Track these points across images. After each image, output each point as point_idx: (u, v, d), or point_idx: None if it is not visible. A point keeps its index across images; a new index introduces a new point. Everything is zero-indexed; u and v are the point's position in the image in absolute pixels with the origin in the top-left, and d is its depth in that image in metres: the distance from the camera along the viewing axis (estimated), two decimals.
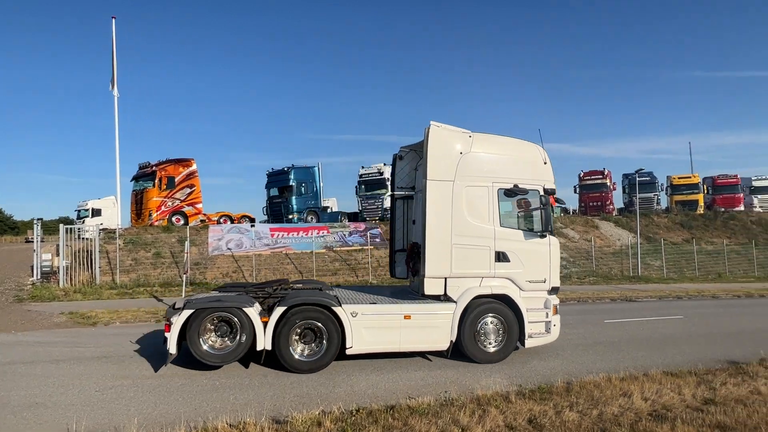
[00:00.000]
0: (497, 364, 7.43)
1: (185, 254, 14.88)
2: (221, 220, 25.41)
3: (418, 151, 9.01)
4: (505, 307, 7.69)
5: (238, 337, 6.69)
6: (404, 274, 9.51)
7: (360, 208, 29.28)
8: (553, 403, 5.35)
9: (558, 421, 4.85)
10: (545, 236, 8.24)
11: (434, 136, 7.69)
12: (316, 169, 27.48)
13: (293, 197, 26.25)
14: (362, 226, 26.10)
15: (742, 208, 40.51)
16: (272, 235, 23.56)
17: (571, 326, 11.11)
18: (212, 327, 6.74)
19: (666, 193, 39.57)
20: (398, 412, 5.01)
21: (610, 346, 9.04)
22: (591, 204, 35.90)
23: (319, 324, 6.91)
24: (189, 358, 6.77)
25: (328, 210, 31.24)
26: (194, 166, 25.06)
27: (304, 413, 5.00)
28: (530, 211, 8.43)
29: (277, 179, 27.34)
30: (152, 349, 7.97)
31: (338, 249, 24.21)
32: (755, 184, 42.91)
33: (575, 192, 37.16)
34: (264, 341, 6.67)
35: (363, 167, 29.68)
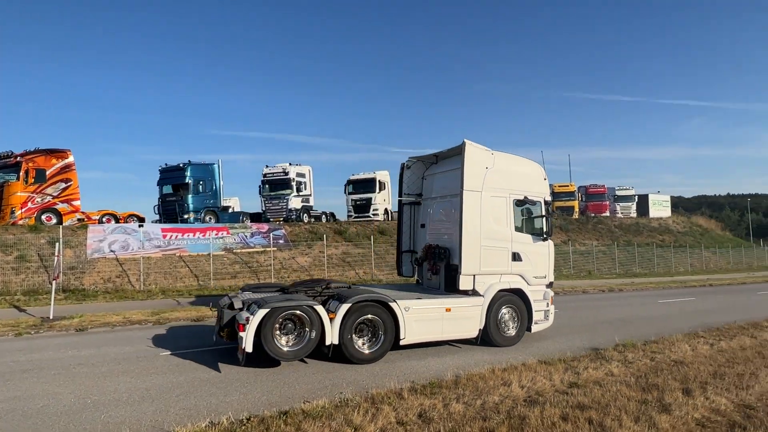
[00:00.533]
0: (395, 364, 7.67)
1: (56, 257, 13.13)
2: (104, 220, 22.86)
3: (425, 161, 10.62)
4: (519, 299, 9.18)
5: (308, 334, 7.08)
6: (411, 273, 10.82)
7: (263, 209, 28.32)
8: (442, 397, 5.65)
9: (446, 413, 5.14)
10: (546, 239, 9.84)
11: (469, 153, 8.68)
12: (216, 166, 26.00)
13: (189, 195, 24.52)
14: (265, 227, 25.26)
15: (608, 213, 46.63)
16: (164, 236, 21.79)
17: None
18: (278, 325, 7.01)
19: None
20: (291, 417, 4.92)
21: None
22: None
23: (378, 318, 7.65)
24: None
25: (230, 210, 29.72)
26: (71, 158, 22.22)
27: (189, 427, 4.69)
28: (536, 219, 9.83)
29: (171, 176, 25.32)
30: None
31: (239, 251, 23.16)
32: (618, 193, 49.72)
33: None
34: (332, 336, 7.16)
35: (267, 166, 28.78)
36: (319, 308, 7.15)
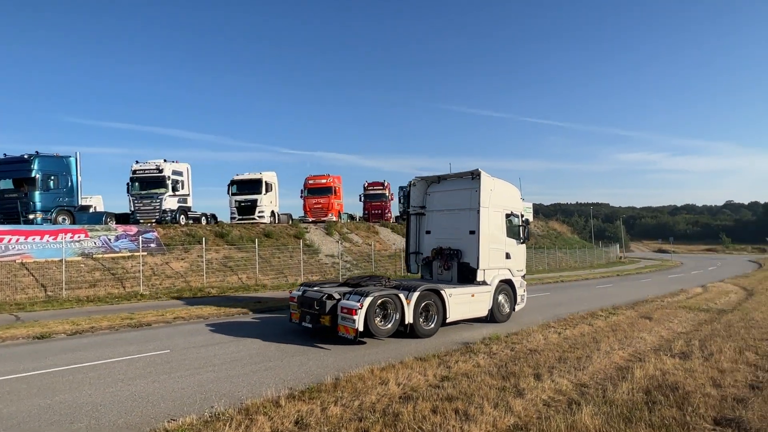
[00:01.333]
0: (275, 371, 7.45)
1: None
2: None
3: (428, 180, 13.49)
4: (509, 287, 12.37)
5: (393, 316, 9.33)
6: (416, 270, 13.70)
7: (132, 209, 25.47)
8: (320, 401, 5.63)
9: (323, 417, 5.13)
10: (523, 243, 13.09)
11: (483, 180, 11.64)
12: (73, 159, 22.64)
13: (36, 192, 20.97)
14: (134, 229, 22.75)
15: None
16: (0, 240, 18.41)
17: None
18: (376, 309, 9.09)
19: None
20: None
21: (374, 341, 10.05)
22: (373, 212, 39.68)
23: (432, 302, 10.05)
24: None
25: (90, 210, 26.12)
26: None
27: None
28: (516, 227, 12.90)
29: (12, 169, 21.38)
30: None
31: (100, 256, 20.53)
32: None
33: (360, 200, 40.50)
34: (409, 317, 9.49)
35: (138, 162, 25.99)
36: (402, 295, 9.40)
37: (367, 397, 5.77)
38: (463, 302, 10.77)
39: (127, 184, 25.61)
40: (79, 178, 22.67)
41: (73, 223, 21.75)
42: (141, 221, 24.86)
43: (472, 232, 11.60)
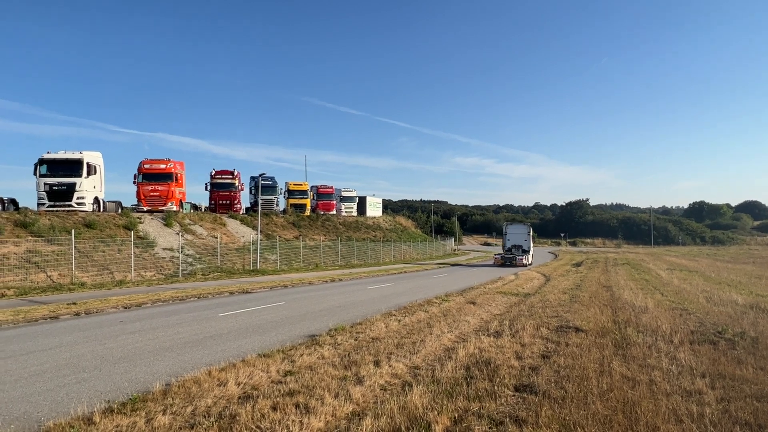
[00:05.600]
0: (90, 383, 6.46)
1: None
2: None
3: (507, 220, 64.29)
4: (531, 257, 41.55)
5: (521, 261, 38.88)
6: (502, 261, 39.55)
7: None
8: (145, 412, 5.08)
9: (148, 429, 4.64)
10: (533, 246, 43.38)
11: (526, 225, 43.70)
12: None
13: None
14: None
15: (335, 212, 51.94)
16: None
17: (186, 324, 11.08)
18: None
19: (284, 197, 45.89)
20: None
21: (220, 338, 9.51)
22: (221, 202, 37.21)
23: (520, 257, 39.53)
24: None
25: None
26: None
27: None
28: (532, 239, 42.37)
29: None
30: None
31: None
32: (344, 194, 56.12)
33: (206, 189, 37.60)
34: (527, 262, 39.91)
35: None
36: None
37: (202, 401, 5.40)
38: (526, 258, 38.70)
39: None
40: None
41: None
42: None
43: (525, 241, 40.72)
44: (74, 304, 13.76)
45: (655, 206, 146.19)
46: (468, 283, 22.79)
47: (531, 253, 40.95)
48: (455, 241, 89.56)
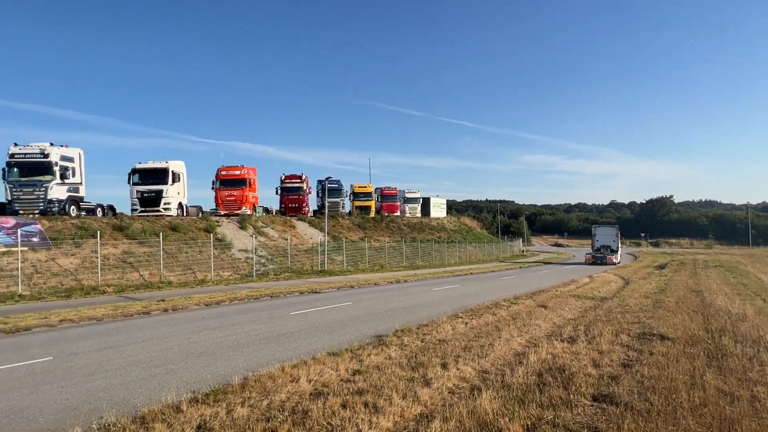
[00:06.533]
0: (178, 374, 7.01)
1: None
2: None
3: (598, 224, 68.90)
4: (619, 256, 46.65)
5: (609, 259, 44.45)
6: (593, 260, 44.09)
7: (10, 198, 22.36)
8: (226, 403, 5.41)
9: (228, 420, 4.93)
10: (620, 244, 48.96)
11: (616, 227, 49.77)
12: None
13: None
14: (10, 221, 20.02)
15: (399, 213, 52.24)
16: None
17: (261, 321, 11.67)
18: None
19: (349, 199, 46.91)
20: None
21: (292, 336, 9.91)
22: (290, 205, 38.81)
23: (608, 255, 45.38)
24: None
25: None
26: None
27: None
28: (618, 239, 47.03)
29: None
30: None
31: None
32: (407, 195, 56.25)
33: (277, 193, 39.40)
34: (617, 260, 45.04)
35: (16, 145, 22.85)
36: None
37: (276, 396, 5.65)
38: (615, 257, 44.06)
39: (3, 169, 22.44)
40: None
41: None
42: (21, 212, 21.93)
43: (613, 242, 45.81)
44: (163, 301, 15.01)
45: (754, 202, 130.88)
46: (538, 285, 21.90)
47: (619, 252, 46.21)
48: (523, 241, 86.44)
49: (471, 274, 31.06)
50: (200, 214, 31.00)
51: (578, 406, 5.35)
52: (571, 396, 5.64)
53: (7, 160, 22.45)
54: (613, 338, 9.13)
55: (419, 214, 56.22)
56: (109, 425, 4.73)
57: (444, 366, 7.06)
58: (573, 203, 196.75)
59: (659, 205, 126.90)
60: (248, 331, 10.43)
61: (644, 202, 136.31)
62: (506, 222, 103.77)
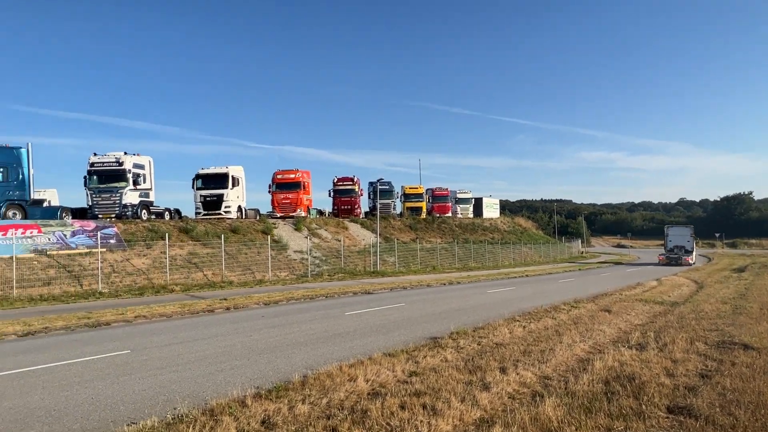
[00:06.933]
0: (241, 370, 7.32)
1: None
2: None
3: (669, 224, 56.95)
4: (695, 257, 46.34)
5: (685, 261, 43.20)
6: (668, 260, 43.20)
7: (90, 203, 24.38)
8: (288, 399, 5.56)
9: (291, 416, 5.07)
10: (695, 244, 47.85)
11: (690, 227, 48.21)
12: (24, 150, 21.45)
13: None
14: (92, 224, 21.81)
15: (450, 214, 51.64)
16: None
17: (317, 321, 11.94)
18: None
19: (400, 200, 47.00)
20: None
21: (347, 336, 10.05)
22: (343, 207, 39.49)
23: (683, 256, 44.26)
24: None
25: (44, 204, 24.83)
26: None
27: None
28: (693, 241, 45.85)
29: None
30: None
31: (55, 253, 19.59)
32: (459, 196, 55.50)
33: (330, 196, 40.22)
34: (693, 261, 44.13)
35: (96, 155, 24.87)
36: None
37: (335, 395, 5.75)
38: (690, 258, 42.64)
39: (85, 177, 24.49)
40: (31, 171, 21.53)
41: (25, 217, 20.65)
42: (100, 216, 23.85)
43: (688, 242, 44.37)
44: (225, 299, 15.75)
45: None
46: (600, 288, 20.84)
47: (694, 253, 45.13)
48: (582, 242, 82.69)
49: (527, 276, 30.10)
50: (258, 217, 32.25)
51: (652, 418, 5.01)
52: (644, 407, 5.29)
53: (88, 168, 24.50)
54: (688, 346, 8.49)
55: (471, 215, 55.30)
56: (182, 416, 5.01)
57: (503, 370, 6.87)
58: (637, 201, 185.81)
59: (737, 203, 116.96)
60: (305, 330, 10.70)
61: (719, 199, 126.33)
62: (563, 222, 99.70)
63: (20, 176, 21.08)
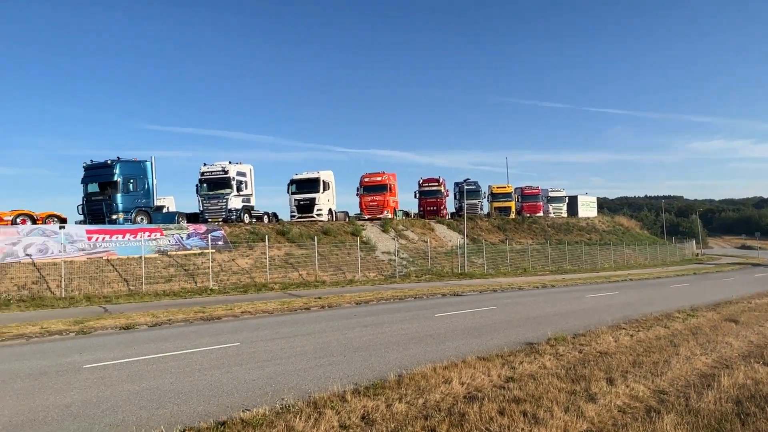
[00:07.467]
0: (339, 366, 7.64)
1: None
2: (18, 221, 20.79)
3: None
4: None
5: None
6: None
7: (201, 209, 27.11)
8: (385, 398, 5.69)
9: (389, 414, 5.18)
10: None
11: None
12: (149, 163, 24.49)
13: (118, 195, 22.89)
14: (203, 228, 24.19)
15: (541, 214, 49.18)
16: (89, 239, 20.25)
17: (407, 321, 12.05)
18: None
19: (488, 200, 45.79)
20: (230, 427, 4.74)
21: (438, 337, 10.02)
22: (428, 208, 39.47)
23: None
24: None
25: (164, 210, 28.14)
26: None
27: None
28: None
29: (98, 173, 23.50)
30: None
31: (174, 253, 22.01)
32: (551, 195, 52.64)
33: (415, 197, 40.42)
34: None
35: (205, 164, 27.58)
36: None
37: (431, 396, 5.76)
38: None
39: (197, 185, 27.25)
40: (155, 181, 24.48)
41: (150, 222, 23.50)
42: (209, 220, 26.38)
43: None
44: (319, 298, 16.55)
45: None
46: (722, 295, 18.47)
47: None
48: (697, 243, 73.94)
49: (630, 280, 27.65)
50: (347, 219, 33.42)
51: None
52: None
53: (199, 177, 27.25)
54: None
55: (565, 214, 52.15)
56: (289, 406, 5.36)
57: (610, 381, 6.38)
58: (766, 196, 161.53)
59: None
60: (396, 330, 10.86)
61: None
62: (673, 221, 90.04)
63: (146, 186, 24.07)
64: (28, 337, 10.27)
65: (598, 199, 65.43)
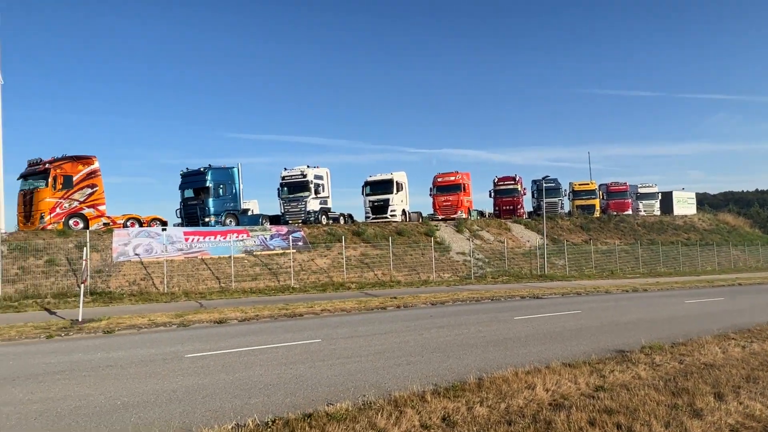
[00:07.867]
0: (417, 366, 7.66)
1: (84, 261, 13.50)
2: (128, 224, 23.41)
3: None
4: None
5: None
6: None
7: (282, 211, 28.62)
8: (465, 400, 5.60)
9: (470, 416, 5.09)
10: None
11: None
12: (236, 169, 26.38)
13: (210, 199, 24.94)
14: (284, 229, 25.51)
15: (630, 212, 45.61)
16: (186, 240, 22.20)
17: (485, 324, 11.78)
18: None
19: (568, 198, 43.36)
20: (316, 419, 4.95)
21: (518, 341, 9.67)
22: (504, 208, 38.27)
23: None
24: None
25: (249, 213, 30.13)
26: (96, 164, 22.85)
27: (216, 428, 4.76)
28: None
29: (192, 180, 25.81)
30: None
31: (259, 253, 23.44)
32: (641, 191, 48.62)
33: (490, 196, 39.38)
34: None
35: (285, 169, 29.08)
36: None
37: (513, 401, 5.57)
38: None
39: (278, 188, 28.81)
40: (241, 186, 26.31)
41: (238, 224, 25.26)
42: (290, 222, 27.76)
43: None
44: (395, 298, 16.72)
45: None
46: None
47: None
48: None
49: (739, 284, 24.71)
50: (420, 219, 33.43)
51: None
52: None
53: (280, 181, 28.79)
54: None
55: (657, 212, 47.84)
56: (370, 403, 5.48)
57: (719, 396, 5.74)
58: None
59: None
60: (474, 332, 10.66)
61: None
62: None
63: (234, 190, 25.95)
64: (139, 327, 11.50)
65: (698, 194, 59.18)
